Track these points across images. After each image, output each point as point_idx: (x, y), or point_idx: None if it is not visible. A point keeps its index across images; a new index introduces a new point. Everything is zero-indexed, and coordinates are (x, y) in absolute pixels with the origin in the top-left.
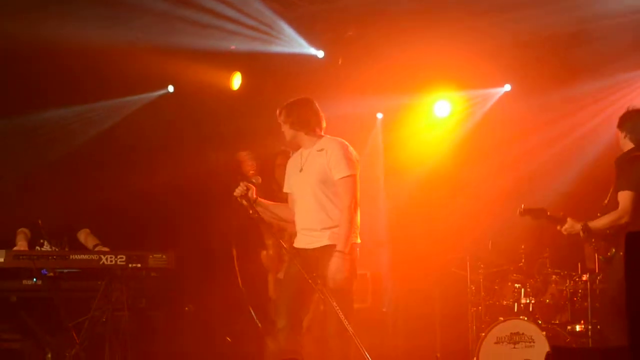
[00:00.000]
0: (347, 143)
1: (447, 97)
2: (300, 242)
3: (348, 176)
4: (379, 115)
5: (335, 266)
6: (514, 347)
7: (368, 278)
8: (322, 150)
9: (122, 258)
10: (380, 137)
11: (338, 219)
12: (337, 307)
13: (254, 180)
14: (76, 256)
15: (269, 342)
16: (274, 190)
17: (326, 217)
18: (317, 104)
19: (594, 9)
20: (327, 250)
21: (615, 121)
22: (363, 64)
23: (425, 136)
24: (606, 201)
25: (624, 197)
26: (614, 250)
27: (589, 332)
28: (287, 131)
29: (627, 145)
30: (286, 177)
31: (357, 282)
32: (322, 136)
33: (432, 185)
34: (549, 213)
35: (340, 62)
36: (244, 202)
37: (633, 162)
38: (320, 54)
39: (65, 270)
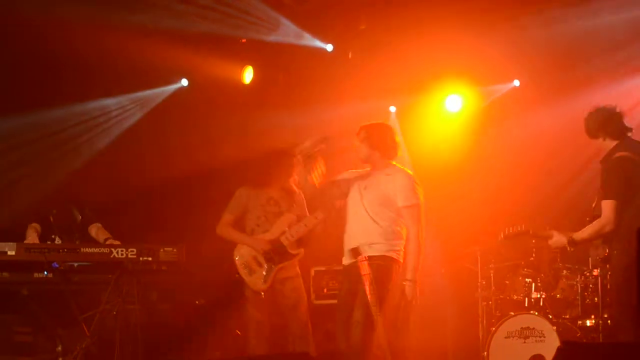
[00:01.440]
0: (413, 175)
1: (459, 91)
2: (350, 257)
3: (413, 205)
4: (392, 109)
5: (410, 293)
6: (525, 342)
7: None
8: (389, 175)
9: (133, 251)
10: (398, 129)
11: (387, 238)
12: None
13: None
14: (87, 249)
15: (249, 308)
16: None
17: (378, 236)
18: (396, 133)
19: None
20: (371, 259)
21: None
22: (373, 58)
23: (436, 130)
24: (594, 204)
25: (607, 207)
26: (607, 250)
27: (600, 327)
28: (364, 149)
29: (609, 145)
30: (350, 190)
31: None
32: (392, 163)
33: (443, 180)
34: (531, 232)
35: (350, 56)
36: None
37: (617, 165)
38: (329, 47)
39: (76, 264)
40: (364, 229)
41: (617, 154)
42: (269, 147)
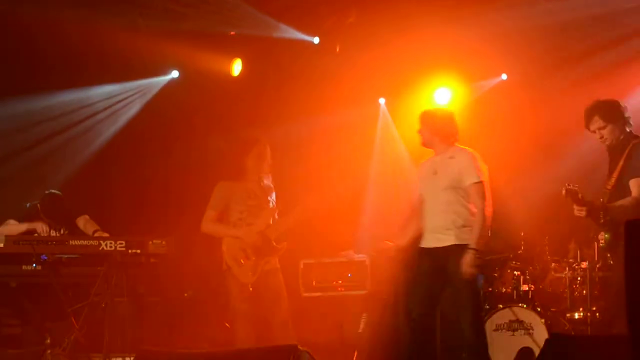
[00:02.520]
0: (476, 153)
1: (448, 84)
2: (429, 242)
3: (478, 182)
4: (382, 101)
5: (467, 261)
6: (513, 335)
7: (367, 265)
8: (452, 157)
9: (121, 244)
10: (390, 119)
11: (465, 221)
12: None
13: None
14: (76, 242)
15: (236, 301)
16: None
17: (456, 218)
18: (455, 119)
19: None
20: (454, 249)
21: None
22: (362, 51)
23: None
24: (609, 187)
25: (639, 184)
26: (607, 236)
27: (588, 320)
28: (425, 134)
29: (622, 131)
30: (419, 180)
31: (355, 269)
32: (453, 145)
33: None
34: (579, 196)
35: (337, 50)
36: None
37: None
38: (315, 40)
39: (65, 256)
40: (439, 214)
41: (638, 139)
42: (238, 138)
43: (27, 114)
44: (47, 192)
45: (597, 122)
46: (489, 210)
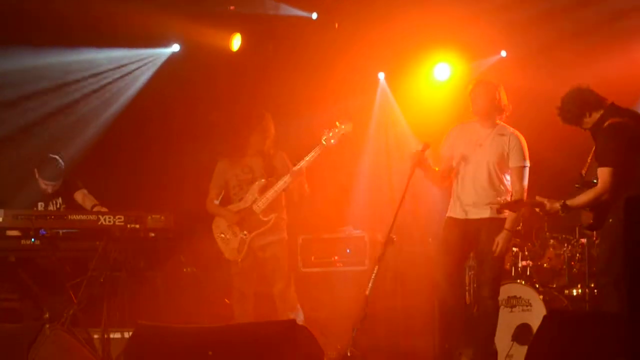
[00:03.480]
0: (523, 137)
1: (447, 60)
2: (461, 213)
3: (524, 167)
4: (381, 75)
5: (502, 241)
6: (511, 311)
7: (366, 241)
8: (503, 135)
9: (120, 219)
10: (389, 93)
11: (501, 198)
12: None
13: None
14: (74, 216)
15: (232, 278)
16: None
17: (494, 193)
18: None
19: None
20: (488, 222)
21: (610, 85)
22: (361, 26)
23: (425, 98)
24: (584, 171)
25: (604, 174)
26: (590, 216)
27: (587, 296)
28: (484, 104)
29: (595, 115)
30: (455, 145)
31: (354, 244)
32: (501, 123)
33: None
34: (522, 202)
35: (336, 26)
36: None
37: (612, 131)
38: (314, 15)
39: (64, 231)
40: (478, 188)
41: (610, 121)
42: (242, 113)
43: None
44: (49, 155)
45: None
46: (525, 196)
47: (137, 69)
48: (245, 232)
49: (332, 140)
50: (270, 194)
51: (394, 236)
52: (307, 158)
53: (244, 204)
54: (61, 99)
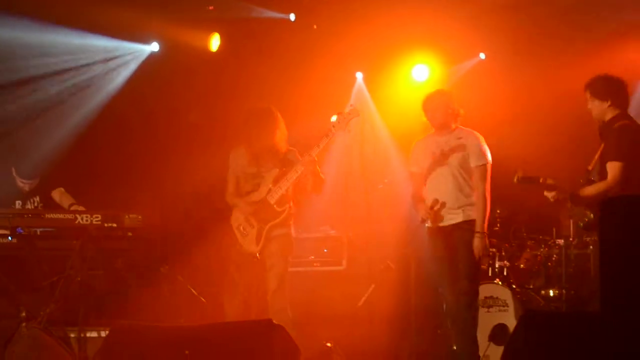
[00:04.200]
0: (481, 136)
1: (426, 61)
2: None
3: (484, 164)
4: (359, 75)
5: (479, 244)
6: (488, 311)
7: (343, 240)
8: (461, 138)
9: (97, 217)
10: (366, 92)
11: (469, 199)
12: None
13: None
14: (51, 215)
15: (232, 270)
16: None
17: (462, 197)
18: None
19: None
20: (461, 225)
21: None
22: (340, 27)
23: (404, 99)
24: (590, 167)
25: (614, 168)
26: (591, 215)
27: (563, 297)
28: (439, 116)
29: (611, 112)
30: (420, 159)
31: (331, 244)
32: (459, 126)
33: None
34: (541, 180)
35: (315, 27)
36: None
37: (626, 130)
38: (291, 17)
39: (41, 229)
40: (447, 193)
41: (624, 122)
42: (248, 107)
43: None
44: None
45: (587, 96)
46: (488, 193)
47: (119, 63)
48: (261, 224)
49: (341, 127)
50: (283, 183)
51: (391, 264)
52: (320, 145)
53: (258, 195)
54: (37, 92)
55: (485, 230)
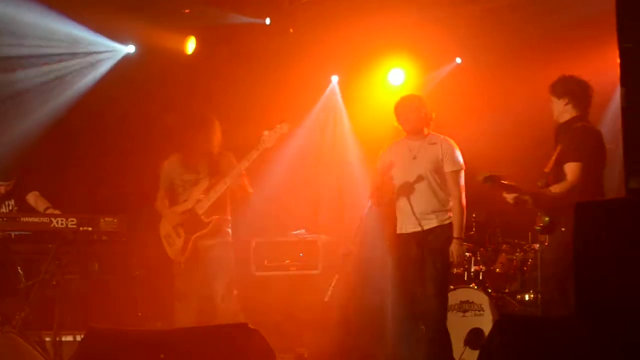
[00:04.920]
0: (454, 142)
1: (401, 65)
2: (410, 227)
3: (459, 170)
4: (334, 78)
5: (456, 250)
6: (464, 316)
7: (319, 244)
8: (434, 144)
9: (73, 221)
10: (340, 98)
11: (443, 204)
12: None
13: None
14: (27, 218)
15: (176, 281)
16: None
17: (436, 202)
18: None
19: None
20: (435, 229)
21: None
22: (316, 31)
23: (379, 103)
24: (547, 169)
25: (574, 168)
26: (547, 219)
27: (538, 302)
28: (412, 121)
29: (569, 113)
30: (392, 164)
31: (307, 248)
32: (431, 132)
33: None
34: (503, 181)
35: (291, 31)
36: None
37: (580, 132)
38: (267, 21)
39: (16, 233)
40: (421, 198)
41: (583, 123)
42: (183, 114)
43: None
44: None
45: (549, 97)
46: (464, 198)
47: (97, 59)
48: (187, 234)
49: (271, 141)
50: (212, 194)
51: (352, 247)
52: (248, 159)
53: (187, 205)
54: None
55: (463, 236)
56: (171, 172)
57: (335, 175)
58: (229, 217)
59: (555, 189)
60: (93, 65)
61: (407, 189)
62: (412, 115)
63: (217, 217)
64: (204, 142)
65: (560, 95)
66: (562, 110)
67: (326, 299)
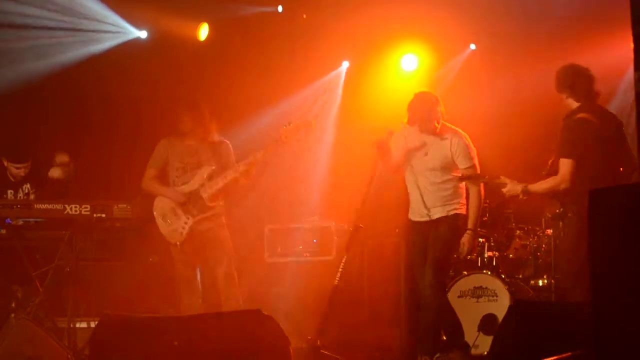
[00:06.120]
0: (466, 135)
1: (415, 51)
2: (417, 216)
3: (473, 165)
4: (345, 64)
5: (467, 242)
6: (477, 301)
7: (332, 230)
8: (445, 139)
9: (86, 208)
10: (341, 82)
11: (453, 197)
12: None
13: None
14: (40, 205)
15: (177, 265)
16: None
17: (445, 195)
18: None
19: None
20: (441, 219)
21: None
22: (328, 18)
23: (392, 89)
24: (550, 161)
25: (564, 165)
26: (561, 208)
27: (552, 287)
28: (419, 116)
29: (570, 105)
30: (402, 147)
31: (320, 235)
32: (445, 126)
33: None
34: (486, 177)
35: (305, 17)
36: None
37: (577, 125)
38: (279, 8)
39: (30, 220)
40: (429, 191)
41: (579, 115)
42: (180, 97)
43: None
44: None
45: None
46: (482, 191)
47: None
48: (188, 215)
49: (289, 137)
50: (219, 181)
51: (360, 224)
52: (262, 150)
53: (190, 187)
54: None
55: (477, 229)
56: (169, 153)
57: (347, 161)
58: (224, 204)
59: (543, 185)
60: (97, 40)
61: (418, 184)
62: (417, 111)
63: (221, 202)
64: (198, 126)
65: (560, 89)
66: (565, 104)
67: (336, 282)
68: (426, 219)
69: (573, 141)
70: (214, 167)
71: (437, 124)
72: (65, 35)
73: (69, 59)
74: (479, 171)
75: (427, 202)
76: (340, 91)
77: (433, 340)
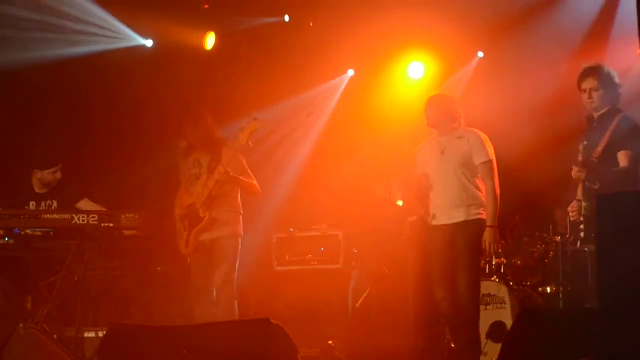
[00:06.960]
0: (483, 133)
1: (421, 59)
2: (439, 220)
3: (489, 161)
4: (350, 72)
5: (488, 238)
6: (485, 309)
7: (340, 239)
8: (462, 137)
9: (94, 217)
10: (341, 89)
11: (473, 198)
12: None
13: None
14: (48, 215)
15: (194, 304)
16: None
17: (465, 196)
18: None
19: None
20: (463, 224)
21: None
22: (334, 26)
23: (399, 97)
24: (595, 156)
25: (627, 156)
26: (585, 204)
27: (560, 294)
28: (436, 117)
29: (608, 102)
30: (423, 161)
31: (328, 243)
32: (460, 125)
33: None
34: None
35: (311, 24)
36: None
37: (632, 120)
38: (286, 18)
39: (38, 230)
40: (451, 192)
41: (625, 113)
42: (178, 109)
43: None
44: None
45: (591, 82)
46: (498, 188)
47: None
48: (190, 227)
49: (243, 138)
50: (204, 190)
51: (386, 269)
52: (223, 159)
53: (190, 199)
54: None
55: (496, 225)
56: (181, 167)
57: (355, 169)
58: (236, 210)
59: (616, 170)
60: (101, 42)
61: (437, 184)
62: (433, 112)
63: (209, 212)
64: (201, 135)
65: (603, 85)
66: (604, 102)
67: (357, 305)
68: (448, 221)
69: (635, 135)
70: (205, 177)
71: (452, 123)
72: (68, 44)
73: (73, 66)
74: (496, 167)
75: (449, 204)
76: (337, 96)
77: (473, 345)
